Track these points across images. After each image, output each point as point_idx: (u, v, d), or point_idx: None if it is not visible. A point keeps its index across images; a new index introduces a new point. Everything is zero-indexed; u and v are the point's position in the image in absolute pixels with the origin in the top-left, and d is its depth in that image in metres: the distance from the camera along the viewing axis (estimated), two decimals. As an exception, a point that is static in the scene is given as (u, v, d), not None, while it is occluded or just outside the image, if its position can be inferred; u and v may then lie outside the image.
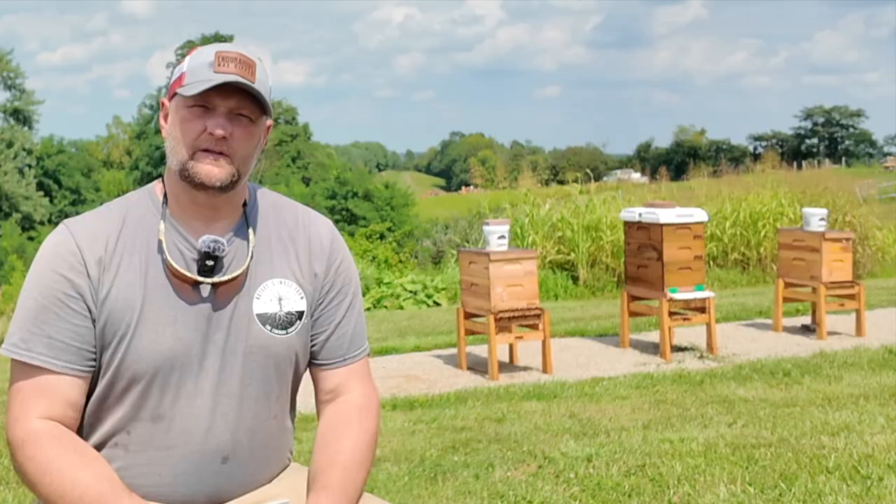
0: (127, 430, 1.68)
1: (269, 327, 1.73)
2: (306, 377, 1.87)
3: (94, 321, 1.66)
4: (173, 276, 1.68)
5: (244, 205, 1.78)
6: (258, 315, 1.73)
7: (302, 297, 1.77)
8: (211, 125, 1.65)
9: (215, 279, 1.69)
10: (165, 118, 1.73)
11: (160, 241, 1.69)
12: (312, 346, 1.82)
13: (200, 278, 1.69)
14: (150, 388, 1.66)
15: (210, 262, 1.69)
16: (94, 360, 1.67)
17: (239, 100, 1.67)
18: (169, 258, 1.68)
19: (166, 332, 1.66)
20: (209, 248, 1.69)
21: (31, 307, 1.66)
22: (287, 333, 1.75)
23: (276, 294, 1.75)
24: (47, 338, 1.64)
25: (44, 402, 1.64)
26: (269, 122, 1.77)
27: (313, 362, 1.84)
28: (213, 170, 1.66)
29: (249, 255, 1.73)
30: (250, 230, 1.76)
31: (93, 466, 1.61)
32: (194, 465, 1.69)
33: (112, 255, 1.68)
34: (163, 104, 1.74)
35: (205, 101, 1.66)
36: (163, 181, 1.77)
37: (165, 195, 1.74)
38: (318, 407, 1.86)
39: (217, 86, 1.64)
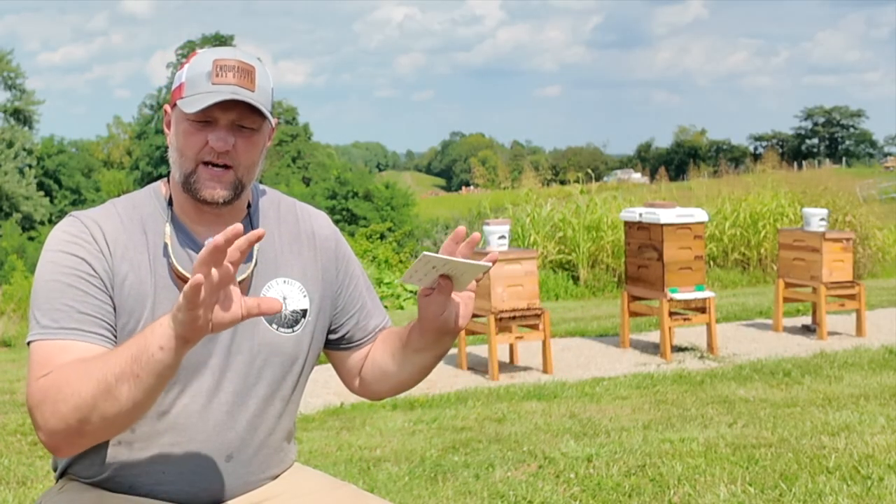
0: (131, 428, 1.67)
1: (275, 326, 1.74)
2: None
3: (113, 305, 1.65)
4: (178, 278, 1.68)
5: (248, 206, 1.78)
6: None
7: (305, 296, 1.78)
8: (212, 139, 1.64)
9: None
10: (168, 125, 1.72)
11: (165, 245, 1.69)
12: (346, 332, 1.87)
13: None
14: None
15: None
16: (115, 342, 1.64)
17: (240, 112, 1.65)
18: (174, 261, 1.68)
19: None
20: None
21: (55, 288, 1.62)
22: (293, 332, 1.76)
23: (281, 293, 1.75)
24: (78, 313, 1.61)
25: (69, 358, 1.56)
26: (275, 121, 1.76)
27: (351, 345, 1.89)
28: (215, 187, 1.66)
29: (254, 258, 1.73)
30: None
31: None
32: (198, 462, 1.69)
33: (124, 250, 1.68)
34: (165, 110, 1.73)
35: (206, 115, 1.64)
36: (167, 182, 1.77)
37: (171, 196, 1.74)
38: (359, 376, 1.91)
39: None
